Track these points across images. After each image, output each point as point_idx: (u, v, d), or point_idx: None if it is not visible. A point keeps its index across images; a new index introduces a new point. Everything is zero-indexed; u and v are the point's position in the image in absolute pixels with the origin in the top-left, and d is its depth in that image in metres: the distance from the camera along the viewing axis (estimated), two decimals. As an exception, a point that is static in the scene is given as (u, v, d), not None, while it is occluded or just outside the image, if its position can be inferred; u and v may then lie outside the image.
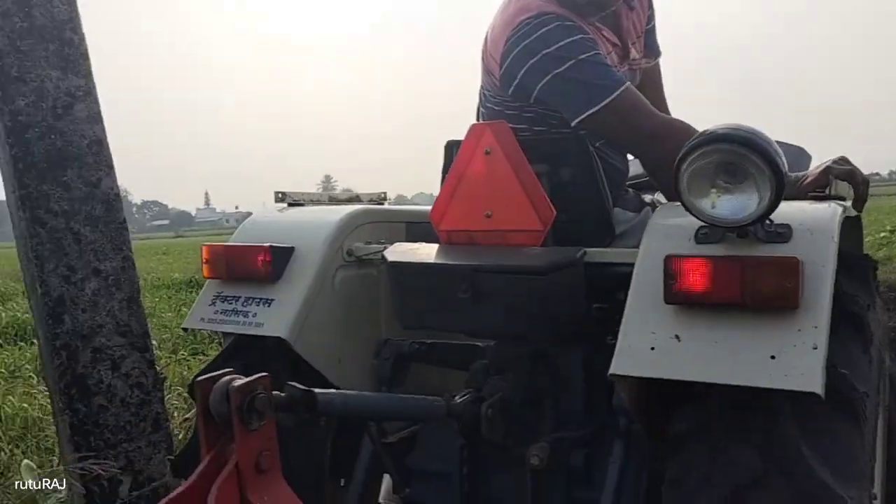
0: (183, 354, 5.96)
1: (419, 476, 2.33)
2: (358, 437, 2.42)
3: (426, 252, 2.24)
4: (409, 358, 2.43)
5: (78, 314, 2.60)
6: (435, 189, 2.40)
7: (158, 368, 2.89)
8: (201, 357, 5.79)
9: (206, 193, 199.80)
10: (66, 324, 2.57)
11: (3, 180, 2.65)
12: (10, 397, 5.15)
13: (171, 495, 1.45)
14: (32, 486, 2.92)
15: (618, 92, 2.04)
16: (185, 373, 5.14)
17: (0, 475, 2.99)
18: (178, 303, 9.66)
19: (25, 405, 4.58)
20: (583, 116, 2.06)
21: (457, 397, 2.06)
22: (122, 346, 2.70)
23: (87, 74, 2.70)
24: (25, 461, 3.01)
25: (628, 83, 2.10)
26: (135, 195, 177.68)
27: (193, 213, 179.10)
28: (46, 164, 2.60)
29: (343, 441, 2.38)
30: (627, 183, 2.56)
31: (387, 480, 2.52)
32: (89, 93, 2.70)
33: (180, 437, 3.65)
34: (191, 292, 10.94)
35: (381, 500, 2.54)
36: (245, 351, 2.33)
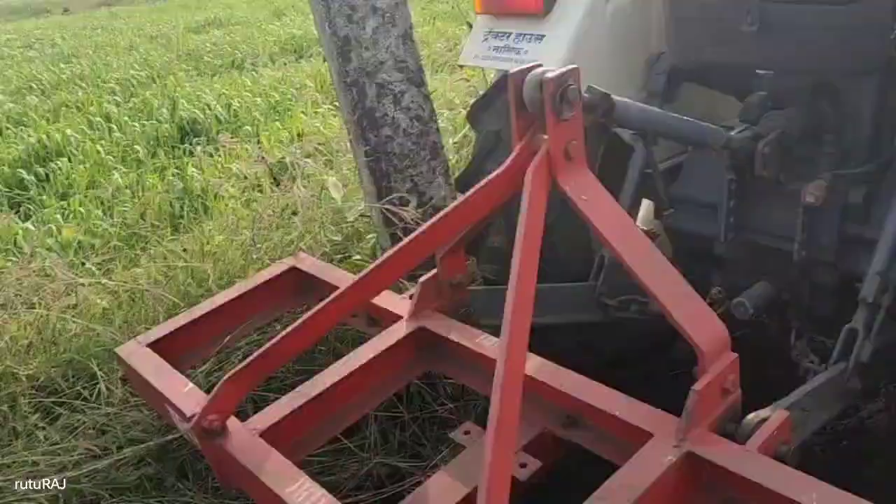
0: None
1: (682, 204, 2.41)
2: (621, 165, 2.49)
3: None
4: (683, 75, 2.42)
5: (362, 52, 2.82)
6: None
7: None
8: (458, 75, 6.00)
9: None
10: (352, 62, 2.82)
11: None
12: (302, 114, 5.88)
13: (485, 181, 1.70)
14: (338, 199, 3.47)
15: None
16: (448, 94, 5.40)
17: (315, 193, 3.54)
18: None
19: (318, 124, 5.22)
20: None
21: (734, 131, 2.08)
22: (401, 82, 2.92)
23: None
24: (332, 178, 3.53)
25: None
26: None
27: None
28: None
29: (606, 167, 2.45)
30: None
31: (645, 206, 2.63)
32: None
33: (452, 161, 4.00)
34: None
35: (637, 223, 2.68)
36: (497, 103, 2.52)
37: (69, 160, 5.65)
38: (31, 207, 4.95)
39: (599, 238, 1.66)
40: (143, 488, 2.58)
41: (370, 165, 2.99)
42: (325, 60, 7.45)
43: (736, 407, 1.66)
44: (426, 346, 2.15)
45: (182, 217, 4.40)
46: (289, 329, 1.83)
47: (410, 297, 2.20)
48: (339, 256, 3.31)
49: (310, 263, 2.60)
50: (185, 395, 2.03)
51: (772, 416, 1.62)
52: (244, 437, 1.87)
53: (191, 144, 5.55)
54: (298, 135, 5.28)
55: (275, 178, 4.00)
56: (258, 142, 4.95)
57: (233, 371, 1.87)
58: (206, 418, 1.85)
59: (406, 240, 1.86)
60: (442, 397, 2.97)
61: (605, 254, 2.37)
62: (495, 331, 1.91)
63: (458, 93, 5.14)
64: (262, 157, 3.95)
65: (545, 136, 1.58)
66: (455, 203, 1.80)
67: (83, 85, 8.32)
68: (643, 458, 1.55)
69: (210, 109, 6.42)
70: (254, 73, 8.00)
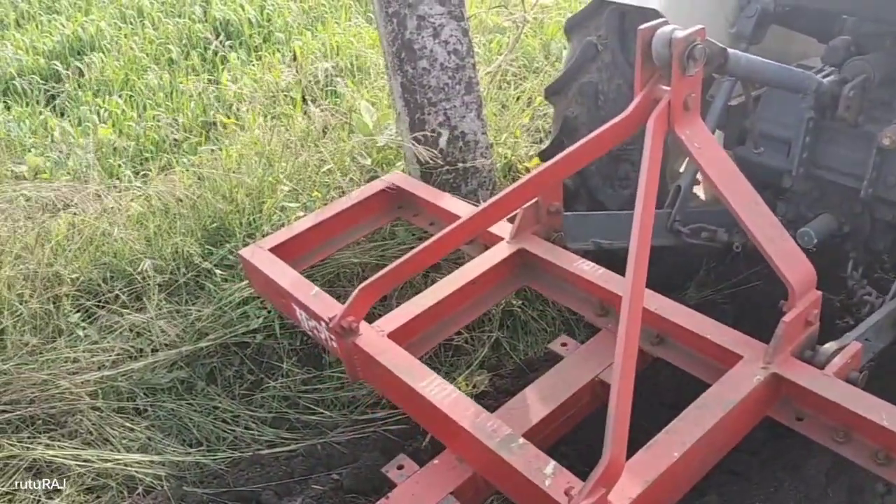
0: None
1: (758, 137, 2.53)
2: None
3: None
4: (771, 18, 2.57)
5: (404, -17, 2.82)
6: None
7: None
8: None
9: None
10: (397, -8, 2.82)
11: None
12: (336, 24, 5.82)
13: (610, 123, 1.91)
14: (370, 122, 3.52)
15: None
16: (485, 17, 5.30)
17: (346, 114, 3.58)
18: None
19: (352, 39, 5.18)
20: None
21: (821, 75, 2.27)
22: (441, 15, 2.92)
23: None
24: (364, 102, 3.57)
25: None
26: None
27: None
28: None
29: None
30: None
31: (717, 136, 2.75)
32: None
33: (484, 92, 3.98)
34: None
35: None
36: (600, 16, 2.72)
37: (104, 55, 5.66)
38: (67, 103, 5.02)
39: (708, 182, 1.86)
40: (176, 390, 2.78)
41: (405, 97, 3.03)
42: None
43: (814, 336, 1.92)
44: (526, 265, 2.43)
45: (215, 124, 4.46)
46: (417, 249, 2.11)
47: (511, 220, 2.43)
48: (367, 178, 3.40)
49: (406, 182, 2.85)
50: (313, 297, 2.30)
51: (847, 346, 1.89)
52: (374, 338, 2.15)
53: (223, 47, 5.52)
54: (332, 48, 5.24)
55: (305, 100, 4.03)
56: (292, 53, 4.94)
57: (368, 280, 2.13)
58: (345, 319, 2.11)
59: (531, 173, 2.11)
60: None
61: (682, 184, 2.58)
62: (586, 255, 2.32)
63: (494, 17, 5.07)
64: (296, 73, 3.97)
65: (666, 88, 1.76)
66: (579, 143, 1.99)
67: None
68: (736, 376, 1.83)
69: (243, 11, 6.35)
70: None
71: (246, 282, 2.89)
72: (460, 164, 3.21)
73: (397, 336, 2.16)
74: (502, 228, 2.44)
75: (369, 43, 5.29)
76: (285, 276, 2.42)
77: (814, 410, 1.81)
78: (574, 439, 2.34)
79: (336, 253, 2.91)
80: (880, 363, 2.17)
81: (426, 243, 2.11)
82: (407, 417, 2.74)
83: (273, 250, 2.55)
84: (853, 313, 2.39)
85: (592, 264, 2.29)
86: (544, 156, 3.02)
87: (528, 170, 3.73)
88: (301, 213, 3.09)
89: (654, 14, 2.39)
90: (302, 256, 2.65)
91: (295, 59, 4.52)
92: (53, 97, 5.22)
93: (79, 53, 5.86)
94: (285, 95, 4.40)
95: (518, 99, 4.21)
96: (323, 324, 2.19)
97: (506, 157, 3.70)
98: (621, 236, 2.46)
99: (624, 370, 1.57)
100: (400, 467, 2.14)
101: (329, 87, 4.50)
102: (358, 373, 2.21)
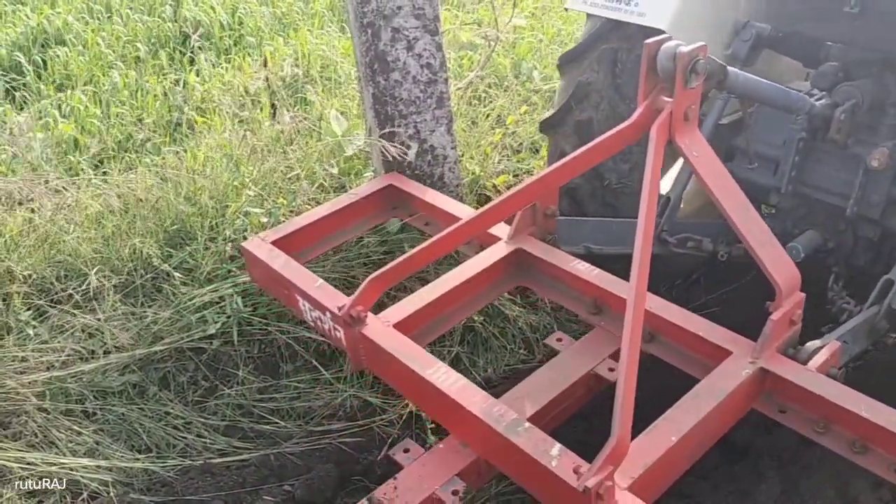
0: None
1: (744, 155, 2.72)
2: None
3: None
4: (765, 42, 2.71)
5: (382, -5, 2.82)
6: None
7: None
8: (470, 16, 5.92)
9: None
10: (371, 3, 2.82)
11: None
12: (308, 32, 5.79)
13: (613, 131, 2.04)
14: (339, 131, 3.50)
15: None
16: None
17: (318, 130, 3.56)
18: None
19: (324, 47, 5.16)
20: None
21: (814, 98, 2.43)
22: (416, 29, 2.93)
23: None
24: (334, 110, 3.55)
25: None
26: None
27: None
28: None
29: None
30: None
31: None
32: None
33: (455, 107, 4.00)
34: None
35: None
36: (609, 36, 2.81)
37: (69, 49, 5.55)
38: (28, 96, 4.89)
39: (704, 188, 2.01)
40: (127, 394, 2.71)
41: (376, 108, 3.02)
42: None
43: (797, 335, 2.11)
44: (522, 264, 2.56)
45: (180, 125, 4.39)
46: (423, 245, 2.24)
47: (508, 222, 2.55)
48: (335, 186, 3.38)
49: (404, 182, 3.02)
50: (317, 288, 2.41)
51: (827, 345, 2.06)
52: (380, 328, 2.25)
53: (192, 51, 5.45)
54: (304, 55, 5.21)
55: (274, 106, 4.00)
56: (262, 58, 4.89)
57: (377, 273, 2.24)
58: (354, 308, 2.21)
59: (534, 176, 2.24)
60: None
61: (670, 195, 2.71)
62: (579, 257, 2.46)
63: (466, 34, 5.10)
64: (266, 79, 3.93)
65: (668, 99, 1.90)
66: (583, 148, 2.11)
67: (83, -35, 8.05)
68: (726, 369, 2.00)
69: (214, 12, 6.29)
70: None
71: (206, 288, 2.85)
72: (428, 179, 3.21)
73: (402, 327, 2.26)
74: (497, 229, 2.58)
75: (341, 52, 5.28)
76: (289, 267, 2.54)
77: (796, 403, 1.98)
78: (566, 430, 2.39)
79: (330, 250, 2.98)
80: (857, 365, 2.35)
81: (431, 240, 2.25)
82: (364, 429, 2.72)
83: (275, 243, 2.66)
84: (835, 321, 2.56)
85: (588, 265, 2.43)
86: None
87: (495, 186, 3.74)
88: (265, 220, 3.05)
89: (659, 33, 2.47)
90: (301, 251, 2.75)
91: (265, 64, 4.48)
92: (14, 89, 5.10)
93: (42, 46, 5.74)
94: (254, 100, 4.36)
95: (488, 116, 4.23)
96: (328, 314, 2.30)
97: (473, 173, 3.71)
98: (611, 242, 2.67)
99: (629, 360, 1.69)
100: (406, 451, 2.19)
101: (299, 95, 4.47)
102: (362, 362, 2.31)
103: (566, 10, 3.28)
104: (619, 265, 2.55)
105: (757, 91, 2.21)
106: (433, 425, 2.62)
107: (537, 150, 4.07)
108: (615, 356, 2.28)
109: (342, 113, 3.86)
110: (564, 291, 2.48)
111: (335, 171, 3.40)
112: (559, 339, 2.53)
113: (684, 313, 2.19)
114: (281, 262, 2.56)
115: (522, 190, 2.22)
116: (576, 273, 2.39)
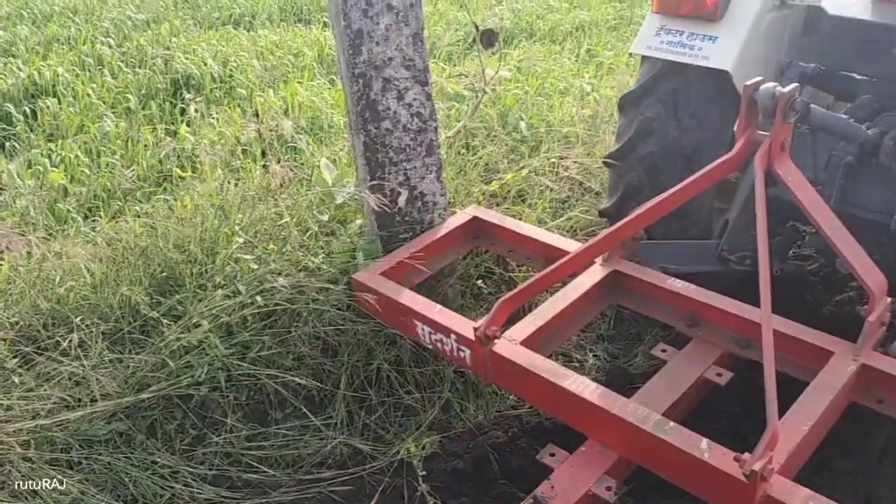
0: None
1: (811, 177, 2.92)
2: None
3: (864, 7, 2.88)
4: (807, 80, 2.94)
5: (373, 46, 2.89)
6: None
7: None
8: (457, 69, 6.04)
9: None
10: (362, 55, 2.88)
11: None
12: (298, 84, 5.88)
13: (716, 162, 2.36)
14: (329, 179, 3.53)
15: None
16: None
17: (308, 178, 3.60)
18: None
19: (314, 98, 5.24)
20: None
21: (865, 127, 2.68)
22: (406, 79, 3.00)
23: None
24: (324, 159, 3.59)
25: None
26: None
27: None
28: None
29: None
30: None
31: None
32: None
33: (446, 157, 4.06)
34: None
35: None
36: (670, 77, 3.05)
37: (59, 100, 5.60)
38: (17, 146, 4.92)
39: (802, 209, 2.29)
40: (113, 442, 2.66)
41: (367, 155, 3.06)
42: (324, 27, 7.42)
43: (884, 333, 2.39)
44: (617, 284, 2.87)
45: (171, 174, 4.41)
46: (544, 271, 2.53)
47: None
48: (325, 233, 3.39)
49: (488, 213, 3.36)
50: (439, 312, 2.69)
51: None
52: (509, 346, 2.50)
53: (183, 101, 5.52)
54: (293, 106, 5.29)
55: (264, 153, 4.04)
56: (254, 110, 4.97)
57: (507, 295, 2.50)
58: (490, 328, 2.44)
59: (644, 206, 2.49)
60: (409, 385, 3.09)
61: (729, 218, 2.93)
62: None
63: (454, 86, 5.21)
64: (258, 131, 3.98)
65: (764, 133, 2.22)
66: (687, 180, 2.40)
67: (76, 20, 8.18)
68: (834, 368, 2.28)
69: (205, 65, 6.38)
70: (252, 31, 7.94)
71: (189, 332, 2.84)
72: (418, 225, 3.24)
73: (527, 344, 2.52)
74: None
75: (331, 103, 5.36)
76: (405, 295, 2.81)
77: (893, 394, 2.26)
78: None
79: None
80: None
81: (551, 268, 2.53)
82: (354, 478, 2.68)
83: (383, 274, 2.93)
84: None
85: (683, 282, 2.70)
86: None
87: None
88: (255, 266, 3.05)
89: (721, 74, 2.87)
90: (400, 279, 2.98)
91: (257, 115, 4.54)
92: (4, 139, 5.12)
93: (33, 97, 5.79)
94: (245, 150, 4.40)
95: (476, 165, 4.29)
96: (453, 335, 2.59)
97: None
98: (684, 262, 2.92)
99: (769, 366, 1.93)
100: (552, 454, 2.35)
101: (289, 144, 4.52)
102: (490, 377, 2.58)
103: (630, 55, 3.50)
104: (693, 282, 2.83)
105: (830, 123, 2.52)
106: (425, 472, 2.59)
107: (524, 199, 4.13)
108: (719, 362, 2.56)
109: (333, 161, 3.91)
110: (659, 307, 2.76)
111: (325, 218, 3.42)
112: (664, 350, 2.72)
113: (780, 319, 2.41)
114: (396, 291, 2.81)
115: (634, 219, 2.50)
116: (673, 289, 2.67)
